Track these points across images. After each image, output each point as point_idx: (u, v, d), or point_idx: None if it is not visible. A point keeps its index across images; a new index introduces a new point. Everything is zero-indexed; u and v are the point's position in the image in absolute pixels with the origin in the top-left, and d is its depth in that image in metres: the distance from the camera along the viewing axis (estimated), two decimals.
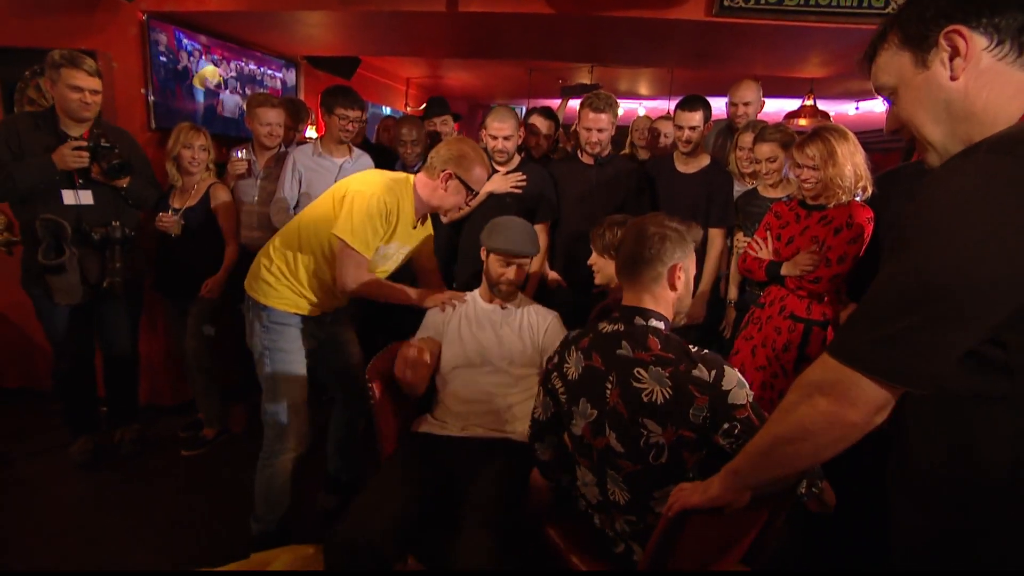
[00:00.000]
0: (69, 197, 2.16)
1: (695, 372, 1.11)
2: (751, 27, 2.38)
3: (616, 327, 1.24)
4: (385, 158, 2.91)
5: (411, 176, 1.75)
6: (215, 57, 2.96)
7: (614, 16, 2.38)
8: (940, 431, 0.72)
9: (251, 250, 2.61)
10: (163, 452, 2.53)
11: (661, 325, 1.21)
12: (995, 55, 0.68)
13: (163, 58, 2.66)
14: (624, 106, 6.62)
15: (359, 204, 1.58)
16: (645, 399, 1.15)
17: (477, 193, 1.79)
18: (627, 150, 3.55)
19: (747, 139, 2.38)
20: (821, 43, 2.69)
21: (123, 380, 2.50)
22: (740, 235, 2.28)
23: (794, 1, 2.26)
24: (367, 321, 2.51)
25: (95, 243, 2.19)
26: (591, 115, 2.28)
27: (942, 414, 0.71)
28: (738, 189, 2.41)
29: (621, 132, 3.36)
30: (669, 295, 1.23)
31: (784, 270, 1.88)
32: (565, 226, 2.45)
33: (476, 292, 1.83)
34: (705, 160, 2.37)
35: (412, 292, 1.79)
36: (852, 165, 1.73)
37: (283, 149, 2.63)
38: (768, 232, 1.98)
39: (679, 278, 1.22)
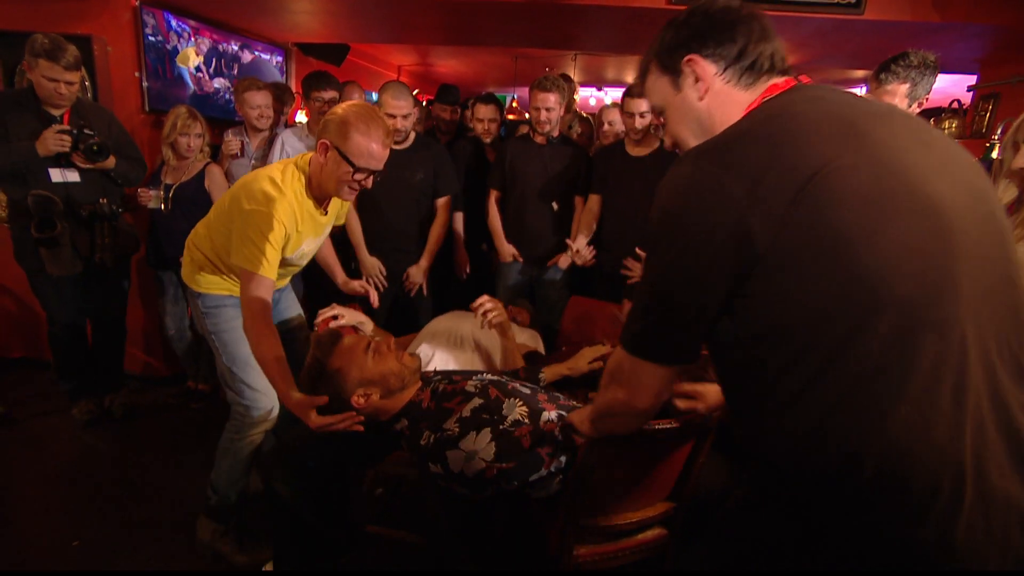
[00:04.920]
0: (56, 175, 2.27)
1: (432, 469, 1.22)
2: None
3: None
4: None
5: (306, 155, 1.55)
6: (204, 39, 3.08)
7: (583, 4, 2.50)
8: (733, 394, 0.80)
9: None
10: (155, 417, 2.69)
11: (404, 423, 1.32)
12: (724, 79, 0.80)
13: (152, 38, 2.78)
14: (612, 94, 6.74)
15: (245, 225, 1.43)
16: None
17: (360, 170, 1.44)
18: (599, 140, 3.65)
19: None
20: (780, 31, 2.81)
21: (111, 349, 2.65)
22: None
23: None
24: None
25: (83, 219, 2.31)
26: (540, 95, 2.43)
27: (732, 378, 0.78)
28: None
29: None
30: (376, 404, 1.30)
31: None
32: (519, 202, 2.58)
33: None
34: (656, 141, 2.43)
35: (282, 386, 1.37)
36: None
37: (275, 132, 2.77)
38: None
39: (359, 403, 1.28)
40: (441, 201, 2.53)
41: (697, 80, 0.81)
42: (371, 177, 1.49)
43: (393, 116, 2.30)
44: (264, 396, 1.68)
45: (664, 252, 0.72)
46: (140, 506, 2.02)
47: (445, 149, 2.60)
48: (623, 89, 6.61)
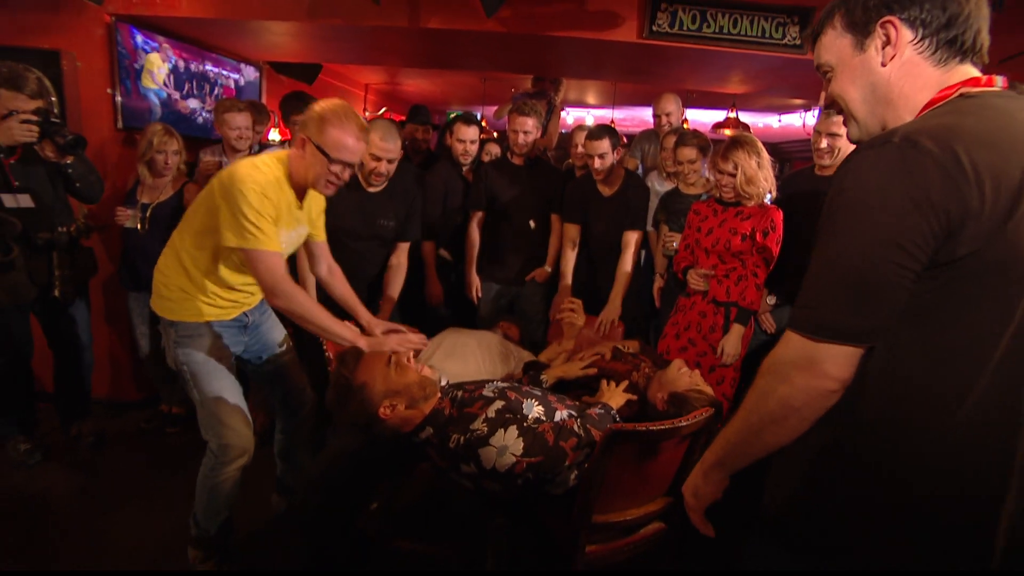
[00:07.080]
0: (9, 200, 2.09)
1: (465, 470, 1.32)
2: (676, 49, 2.73)
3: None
4: None
5: (284, 152, 1.63)
6: (172, 57, 3.02)
7: (558, 36, 2.67)
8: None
9: None
10: (127, 444, 2.58)
11: (429, 432, 1.39)
12: (917, 49, 0.76)
13: (122, 58, 2.72)
14: (574, 114, 7.00)
15: (235, 203, 1.43)
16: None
17: (336, 162, 1.51)
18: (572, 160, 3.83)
19: (671, 142, 2.70)
20: (737, 65, 3.09)
21: (75, 378, 2.49)
22: (665, 229, 2.57)
23: (711, 29, 2.63)
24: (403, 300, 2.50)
25: (39, 247, 2.15)
26: (518, 118, 2.52)
27: None
28: (667, 187, 2.74)
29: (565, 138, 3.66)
30: (402, 414, 1.37)
31: (689, 277, 2.22)
32: (498, 222, 2.65)
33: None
34: (620, 179, 2.54)
35: (347, 331, 1.54)
36: (760, 176, 2.09)
37: (252, 151, 2.76)
38: (689, 229, 2.32)
39: (386, 414, 1.36)
40: (403, 245, 2.39)
41: (886, 44, 0.77)
42: (347, 170, 1.56)
43: (379, 159, 2.14)
44: (238, 433, 1.61)
45: (880, 227, 0.70)
46: (122, 538, 1.95)
47: (419, 191, 2.45)
48: (584, 109, 6.86)
